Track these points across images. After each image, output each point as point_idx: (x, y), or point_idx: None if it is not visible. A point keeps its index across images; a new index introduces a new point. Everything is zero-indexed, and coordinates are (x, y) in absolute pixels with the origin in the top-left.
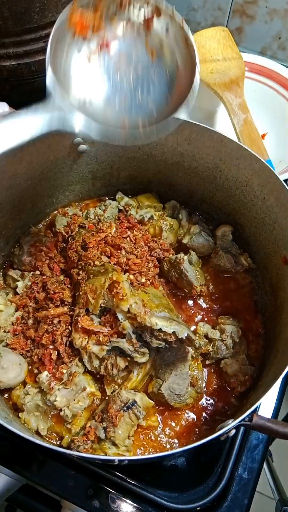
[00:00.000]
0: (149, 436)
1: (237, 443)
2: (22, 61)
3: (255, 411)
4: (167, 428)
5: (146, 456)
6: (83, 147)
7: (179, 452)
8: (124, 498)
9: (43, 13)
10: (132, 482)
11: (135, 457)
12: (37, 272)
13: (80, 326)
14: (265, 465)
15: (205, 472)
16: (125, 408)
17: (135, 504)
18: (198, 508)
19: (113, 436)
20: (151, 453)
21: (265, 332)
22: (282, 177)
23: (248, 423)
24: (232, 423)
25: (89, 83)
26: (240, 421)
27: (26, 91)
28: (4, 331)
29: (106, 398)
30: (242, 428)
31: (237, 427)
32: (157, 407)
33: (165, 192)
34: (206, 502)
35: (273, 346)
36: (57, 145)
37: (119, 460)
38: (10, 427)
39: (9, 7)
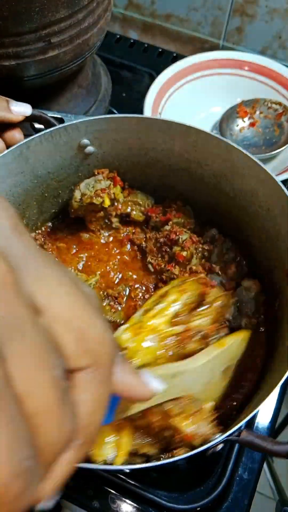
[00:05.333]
0: None
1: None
2: (22, 61)
3: (244, 426)
4: None
5: (148, 465)
6: (90, 149)
7: (173, 461)
8: (124, 499)
9: (43, 13)
10: (132, 482)
11: (139, 465)
12: None
13: None
14: (265, 466)
15: (205, 473)
16: None
17: (135, 505)
18: (198, 509)
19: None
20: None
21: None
22: (282, 177)
23: (236, 438)
24: (219, 438)
25: None
26: (228, 436)
27: (26, 90)
28: None
29: None
30: (242, 428)
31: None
32: None
33: (170, 198)
34: (206, 503)
35: (269, 363)
36: (64, 145)
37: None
38: None
39: (9, 7)
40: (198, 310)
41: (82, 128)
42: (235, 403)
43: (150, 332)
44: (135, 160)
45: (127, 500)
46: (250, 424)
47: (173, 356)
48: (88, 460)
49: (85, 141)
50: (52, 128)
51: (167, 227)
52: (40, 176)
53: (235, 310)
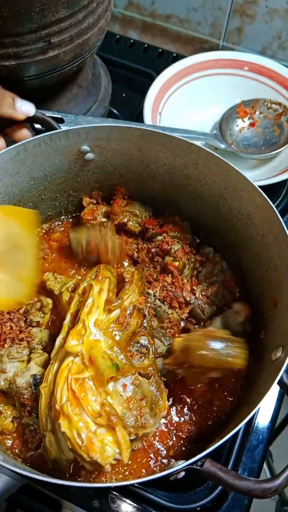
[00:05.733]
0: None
1: (237, 443)
2: (22, 61)
3: (207, 455)
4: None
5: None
6: (90, 155)
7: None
8: (124, 498)
9: (43, 13)
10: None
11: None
12: None
13: None
14: (265, 465)
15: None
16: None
17: (135, 504)
18: (198, 508)
19: None
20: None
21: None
22: (282, 177)
23: (198, 467)
24: (181, 465)
25: None
26: (190, 463)
27: (26, 90)
28: None
29: None
30: (242, 429)
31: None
32: None
33: (170, 213)
34: (206, 502)
35: (250, 385)
36: (63, 149)
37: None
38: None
39: (9, 7)
40: (124, 289)
41: (83, 134)
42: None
43: (94, 329)
44: (136, 171)
45: (127, 500)
46: (249, 425)
47: (123, 337)
48: (99, 470)
49: (86, 147)
50: (52, 132)
51: (160, 237)
52: (37, 178)
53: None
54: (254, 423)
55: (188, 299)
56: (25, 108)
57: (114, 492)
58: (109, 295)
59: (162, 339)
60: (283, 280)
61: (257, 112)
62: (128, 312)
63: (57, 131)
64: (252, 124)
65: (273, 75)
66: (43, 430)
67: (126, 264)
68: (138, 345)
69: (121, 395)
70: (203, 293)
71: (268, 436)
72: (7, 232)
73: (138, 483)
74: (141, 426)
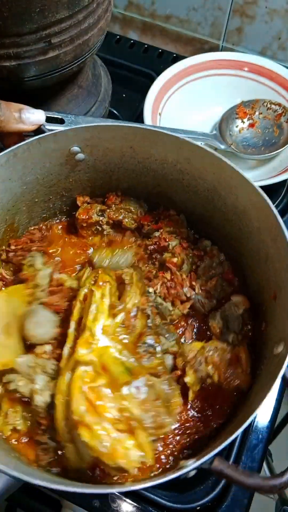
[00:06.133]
0: None
1: (237, 443)
2: (22, 61)
3: (217, 454)
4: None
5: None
6: (80, 156)
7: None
8: (124, 498)
9: (43, 13)
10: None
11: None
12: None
13: None
14: (265, 465)
15: (205, 472)
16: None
17: (135, 504)
18: (198, 508)
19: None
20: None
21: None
22: (282, 177)
23: (208, 466)
24: (193, 465)
25: None
26: (201, 463)
27: (26, 91)
28: (42, 290)
29: None
30: (241, 428)
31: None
32: None
33: (164, 206)
34: (206, 502)
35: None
36: (53, 152)
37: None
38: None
39: (9, 7)
40: (125, 292)
41: (71, 135)
42: (215, 425)
43: (102, 335)
44: (129, 168)
45: (127, 500)
46: (249, 427)
47: (130, 340)
48: (123, 472)
49: (76, 148)
50: (39, 136)
51: (157, 233)
52: (29, 182)
53: (224, 326)
54: (254, 422)
55: (188, 295)
56: (34, 119)
57: (114, 492)
58: (112, 300)
59: (166, 335)
60: (282, 273)
61: (257, 113)
62: (132, 314)
63: (45, 134)
64: (251, 125)
65: (273, 76)
66: (62, 441)
67: (195, 300)
68: (146, 345)
69: (136, 398)
70: (202, 288)
71: (267, 435)
72: (11, 307)
73: (153, 486)
74: (159, 426)
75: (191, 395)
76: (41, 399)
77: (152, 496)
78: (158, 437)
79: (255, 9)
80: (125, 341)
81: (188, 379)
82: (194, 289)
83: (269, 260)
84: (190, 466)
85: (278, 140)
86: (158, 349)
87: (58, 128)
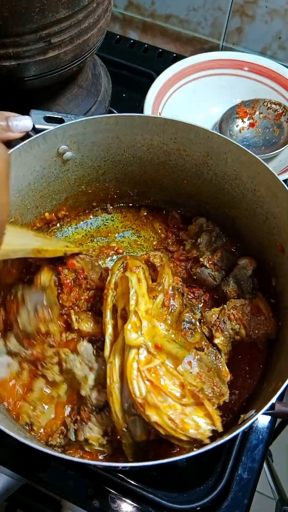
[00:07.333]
0: None
1: (237, 443)
2: (23, 61)
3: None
4: None
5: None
6: (68, 154)
7: (204, 451)
8: (124, 498)
9: (43, 13)
10: (132, 482)
11: (146, 463)
12: None
13: None
14: (265, 465)
15: (205, 472)
16: (97, 410)
17: (135, 504)
18: (198, 508)
19: (83, 440)
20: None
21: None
22: (282, 177)
23: (271, 411)
24: (255, 415)
25: None
26: (265, 411)
27: (26, 91)
28: None
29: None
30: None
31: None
32: None
33: (152, 193)
34: (206, 502)
35: (275, 347)
36: (42, 154)
37: (123, 467)
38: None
39: (9, 7)
40: (160, 273)
41: (59, 135)
42: (246, 392)
43: (148, 317)
44: (115, 159)
45: (127, 500)
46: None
47: (172, 320)
48: (197, 443)
49: (63, 147)
50: (30, 139)
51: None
52: (21, 189)
53: (238, 289)
54: (254, 422)
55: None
56: (21, 126)
57: (114, 492)
58: (149, 283)
59: (194, 310)
60: (286, 226)
61: (257, 113)
62: (170, 294)
63: (35, 137)
64: (252, 125)
65: (273, 76)
66: (121, 428)
67: (206, 274)
68: (186, 322)
69: (191, 373)
70: (210, 262)
71: (268, 435)
72: None
73: (217, 446)
74: (219, 394)
75: (224, 357)
76: (95, 396)
77: (152, 496)
78: (219, 405)
79: (255, 9)
80: (169, 321)
81: (217, 340)
82: (202, 265)
83: (269, 218)
84: (254, 416)
85: (278, 140)
86: (197, 324)
87: (48, 127)
